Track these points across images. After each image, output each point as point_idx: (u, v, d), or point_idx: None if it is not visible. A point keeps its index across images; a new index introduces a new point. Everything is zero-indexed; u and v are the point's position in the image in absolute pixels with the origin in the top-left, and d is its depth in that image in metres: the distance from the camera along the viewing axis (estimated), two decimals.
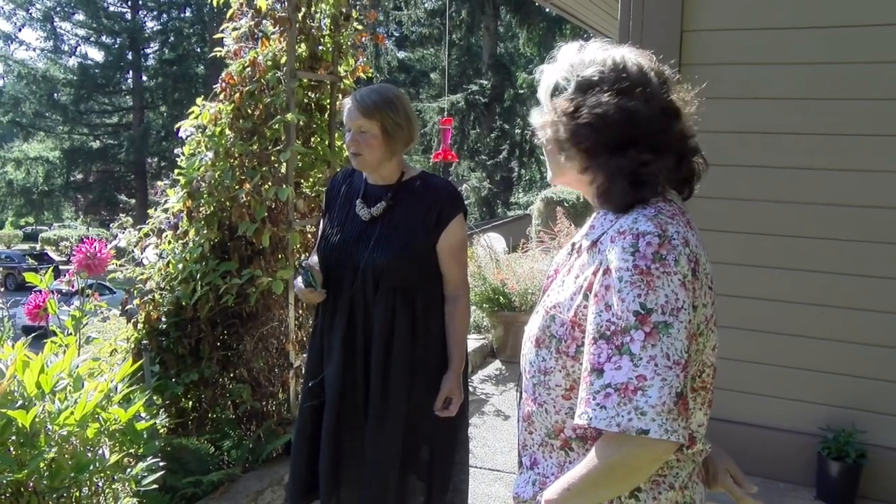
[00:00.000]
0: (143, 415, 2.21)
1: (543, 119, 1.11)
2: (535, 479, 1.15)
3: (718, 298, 1.10)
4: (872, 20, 2.78)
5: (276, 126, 3.02)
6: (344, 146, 3.33)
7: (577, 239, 1.19)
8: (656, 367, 0.94)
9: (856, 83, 2.84)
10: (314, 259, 2.19)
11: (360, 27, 3.37)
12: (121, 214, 3.41)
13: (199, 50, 28.42)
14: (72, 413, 1.93)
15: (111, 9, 28.49)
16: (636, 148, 1.03)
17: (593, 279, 1.03)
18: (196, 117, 3.13)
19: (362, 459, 2.07)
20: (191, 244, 3.02)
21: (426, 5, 20.68)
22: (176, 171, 3.13)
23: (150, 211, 3.23)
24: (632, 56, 1.08)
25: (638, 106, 1.03)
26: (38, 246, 31.02)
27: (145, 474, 2.11)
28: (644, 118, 1.03)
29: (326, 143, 3.34)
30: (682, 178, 1.11)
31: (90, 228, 29.60)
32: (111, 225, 3.45)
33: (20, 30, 28.51)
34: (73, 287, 2.62)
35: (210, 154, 3.03)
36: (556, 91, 1.10)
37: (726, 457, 1.21)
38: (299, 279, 2.07)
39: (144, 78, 28.78)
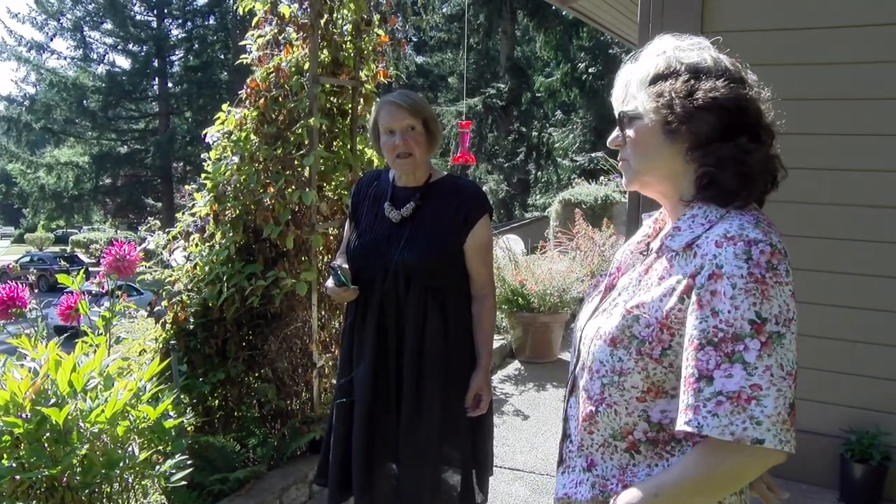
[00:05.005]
0: (171, 413, 2.26)
1: (649, 105, 1.06)
2: (595, 482, 1.14)
3: None
4: (891, 19, 2.76)
5: (300, 130, 3.08)
6: (367, 149, 3.41)
7: (639, 237, 1.20)
8: (772, 377, 0.93)
9: (877, 83, 2.82)
10: (339, 261, 2.23)
11: (381, 32, 3.42)
12: (148, 218, 3.50)
13: (222, 57, 28.87)
14: (102, 411, 1.98)
15: (138, 17, 29.06)
16: (745, 136, 1.03)
17: (692, 282, 1.00)
18: (222, 123, 3.20)
19: (394, 457, 2.11)
20: (217, 247, 3.09)
21: (444, 10, 20.73)
22: (203, 175, 3.20)
23: (178, 214, 3.30)
24: (725, 57, 1.10)
25: (749, 94, 1.05)
26: (68, 248, 31.72)
27: (173, 471, 2.15)
28: (753, 108, 1.05)
29: (348, 147, 3.39)
30: (763, 183, 1.08)
31: (118, 231, 30.21)
32: (139, 228, 3.54)
33: (52, 39, 29.10)
34: (103, 288, 2.69)
35: (236, 158, 3.09)
36: (659, 78, 1.07)
37: None
38: (330, 281, 2.10)
39: (170, 84, 29.30)
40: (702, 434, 0.96)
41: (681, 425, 0.98)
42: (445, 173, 2.19)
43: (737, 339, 0.95)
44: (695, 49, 1.08)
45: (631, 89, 1.11)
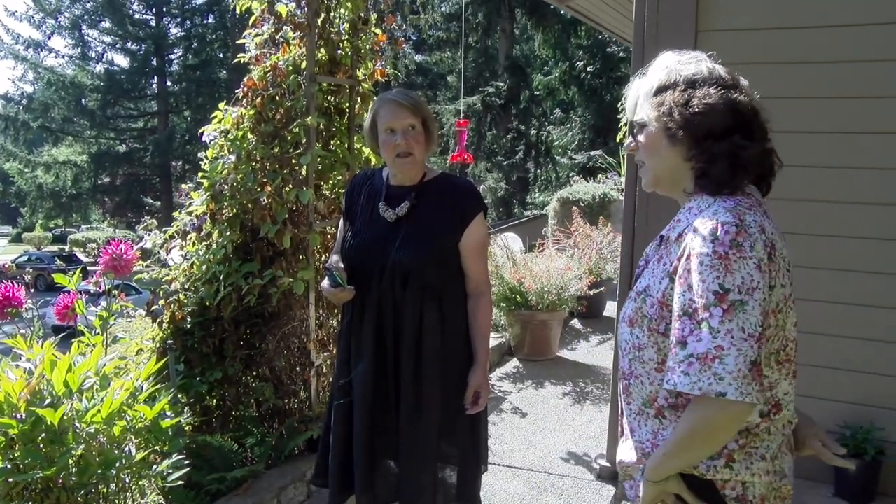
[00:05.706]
0: (168, 413, 2.26)
1: (652, 113, 1.23)
2: (636, 447, 1.29)
3: None
4: (888, 18, 2.77)
5: (297, 129, 3.08)
6: (364, 148, 3.41)
7: (664, 232, 1.33)
8: (732, 338, 1.06)
9: (872, 81, 2.82)
10: (334, 259, 2.23)
11: (378, 31, 3.42)
12: (146, 217, 3.50)
13: (221, 55, 28.82)
14: (99, 411, 1.98)
15: (136, 16, 29.01)
16: (739, 134, 1.17)
17: (678, 264, 1.16)
18: (219, 122, 3.19)
19: (394, 455, 2.11)
20: (214, 245, 3.09)
21: (443, 9, 20.73)
22: (200, 174, 3.20)
23: (175, 213, 3.30)
24: (720, 67, 1.25)
25: (740, 98, 1.19)
26: (66, 247, 31.66)
27: (171, 471, 2.15)
28: (745, 109, 1.19)
29: (346, 145, 3.39)
30: (761, 174, 1.23)
31: (117, 230, 30.18)
32: (137, 227, 3.54)
33: (49, 38, 29.06)
34: (100, 288, 2.69)
35: (232, 157, 3.09)
36: (661, 90, 1.23)
37: (814, 425, 1.37)
38: (325, 281, 2.09)
39: (169, 83, 29.26)
40: (678, 391, 1.10)
41: (664, 384, 1.13)
42: (439, 172, 2.20)
43: (705, 308, 1.09)
44: (693, 62, 1.24)
45: (640, 101, 1.28)
